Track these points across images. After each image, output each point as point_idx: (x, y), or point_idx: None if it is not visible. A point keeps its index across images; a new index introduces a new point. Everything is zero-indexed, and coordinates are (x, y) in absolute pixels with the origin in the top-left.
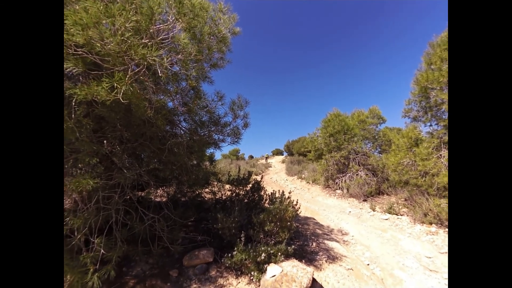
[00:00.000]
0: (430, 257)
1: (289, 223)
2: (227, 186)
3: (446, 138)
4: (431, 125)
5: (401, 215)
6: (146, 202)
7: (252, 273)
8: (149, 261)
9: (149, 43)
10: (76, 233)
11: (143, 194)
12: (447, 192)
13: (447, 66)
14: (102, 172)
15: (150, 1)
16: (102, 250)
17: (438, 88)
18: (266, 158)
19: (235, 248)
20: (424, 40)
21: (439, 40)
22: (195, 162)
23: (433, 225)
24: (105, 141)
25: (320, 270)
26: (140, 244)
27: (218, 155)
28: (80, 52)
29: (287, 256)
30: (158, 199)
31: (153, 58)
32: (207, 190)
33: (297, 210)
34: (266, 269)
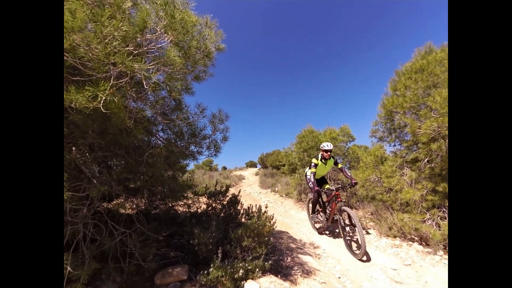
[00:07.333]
0: (395, 269)
1: (266, 238)
2: (202, 199)
3: (408, 157)
4: (395, 145)
5: (368, 228)
6: (116, 215)
7: None
8: (116, 280)
9: (135, 52)
10: None
11: (111, 206)
12: (409, 207)
13: (410, 93)
14: (67, 180)
15: (142, 13)
16: (68, 268)
17: (401, 112)
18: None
19: (211, 265)
20: (390, 68)
21: (404, 69)
22: (170, 173)
23: (397, 238)
24: (73, 148)
25: (296, 284)
26: (110, 261)
27: (191, 165)
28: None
29: (264, 272)
30: (129, 211)
31: (142, 71)
32: (181, 203)
33: (273, 225)
34: (243, 286)
